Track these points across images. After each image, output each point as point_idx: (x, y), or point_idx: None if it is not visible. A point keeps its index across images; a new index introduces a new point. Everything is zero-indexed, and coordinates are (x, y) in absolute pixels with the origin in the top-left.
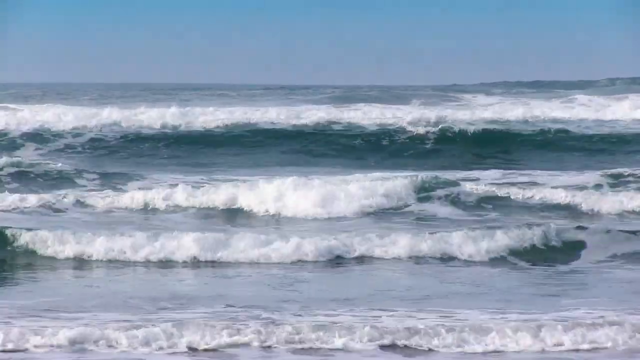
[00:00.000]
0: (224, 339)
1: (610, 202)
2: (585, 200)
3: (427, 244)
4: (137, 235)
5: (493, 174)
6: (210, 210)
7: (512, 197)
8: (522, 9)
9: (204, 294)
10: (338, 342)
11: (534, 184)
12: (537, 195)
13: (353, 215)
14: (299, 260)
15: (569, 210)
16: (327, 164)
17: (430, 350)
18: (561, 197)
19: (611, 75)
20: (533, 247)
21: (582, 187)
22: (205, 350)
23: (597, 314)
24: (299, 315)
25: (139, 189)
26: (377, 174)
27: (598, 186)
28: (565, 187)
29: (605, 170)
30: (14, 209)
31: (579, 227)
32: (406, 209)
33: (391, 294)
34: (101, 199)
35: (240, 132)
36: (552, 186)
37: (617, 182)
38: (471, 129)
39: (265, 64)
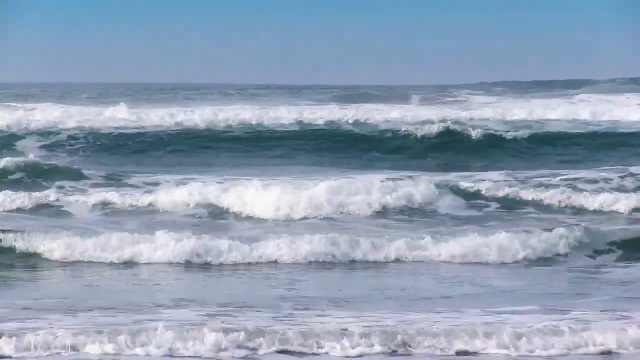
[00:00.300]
0: (213, 341)
1: (616, 201)
2: (593, 199)
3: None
4: (138, 235)
5: (500, 174)
6: (214, 209)
7: (521, 197)
8: (522, 9)
9: (202, 294)
10: (329, 346)
11: (542, 182)
12: (546, 195)
13: (364, 216)
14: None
15: (580, 210)
16: (334, 164)
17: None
18: (574, 197)
19: (611, 76)
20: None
21: (590, 184)
22: (193, 356)
23: (600, 316)
24: (293, 317)
25: (144, 183)
26: (385, 175)
27: (605, 184)
28: (574, 186)
29: (612, 169)
30: (18, 209)
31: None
32: (418, 211)
33: (397, 295)
34: (99, 198)
35: (246, 131)
36: (563, 185)
37: (623, 181)
38: (478, 129)
39: (265, 64)
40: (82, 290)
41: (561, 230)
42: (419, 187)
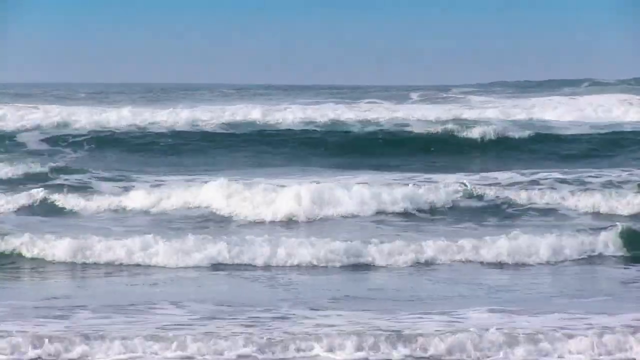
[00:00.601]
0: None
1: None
2: (602, 198)
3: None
4: (147, 238)
5: (505, 173)
6: (215, 210)
7: (527, 196)
8: (522, 9)
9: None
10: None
11: (549, 181)
12: (554, 195)
13: (371, 217)
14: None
15: (588, 209)
16: (339, 164)
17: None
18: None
19: (612, 75)
20: None
21: (597, 183)
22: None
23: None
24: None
25: (153, 181)
26: (393, 175)
27: (612, 183)
28: (583, 184)
29: (616, 168)
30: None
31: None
32: (427, 212)
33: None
34: (104, 198)
35: (251, 131)
36: (573, 182)
37: (629, 180)
38: (481, 128)
39: (265, 64)
40: (77, 292)
41: (602, 232)
42: (427, 188)
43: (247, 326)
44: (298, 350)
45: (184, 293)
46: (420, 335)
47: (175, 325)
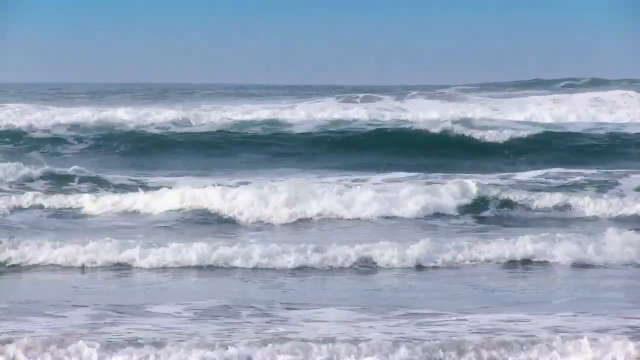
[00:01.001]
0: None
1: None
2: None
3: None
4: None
5: (515, 174)
6: (213, 212)
7: (541, 198)
8: (522, 9)
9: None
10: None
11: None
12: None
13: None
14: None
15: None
16: (342, 164)
17: None
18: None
19: (612, 75)
20: None
21: (603, 185)
22: None
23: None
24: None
25: (149, 182)
26: (400, 175)
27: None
28: (596, 185)
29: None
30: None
31: None
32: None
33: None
34: (96, 200)
35: (255, 131)
36: (584, 183)
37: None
38: (481, 128)
39: (265, 64)
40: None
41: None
42: (434, 187)
43: (246, 327)
44: (295, 352)
45: (182, 293)
46: (420, 338)
47: (173, 325)
